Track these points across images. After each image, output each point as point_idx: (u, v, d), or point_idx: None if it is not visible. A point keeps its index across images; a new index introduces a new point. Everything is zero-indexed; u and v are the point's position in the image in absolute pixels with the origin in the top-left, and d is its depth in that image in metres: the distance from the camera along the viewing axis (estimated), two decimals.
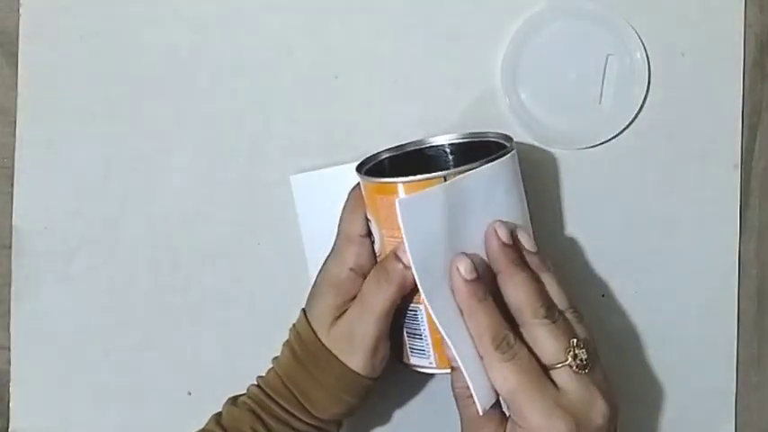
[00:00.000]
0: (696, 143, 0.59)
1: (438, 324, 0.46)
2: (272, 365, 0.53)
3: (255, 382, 0.53)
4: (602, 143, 0.59)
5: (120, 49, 0.60)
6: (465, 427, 0.49)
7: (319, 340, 0.51)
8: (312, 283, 0.53)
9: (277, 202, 0.59)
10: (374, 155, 0.53)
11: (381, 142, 0.54)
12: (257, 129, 0.60)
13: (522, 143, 0.59)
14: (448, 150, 0.54)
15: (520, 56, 0.58)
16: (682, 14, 0.59)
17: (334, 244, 0.52)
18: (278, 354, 0.54)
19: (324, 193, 0.56)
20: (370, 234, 0.51)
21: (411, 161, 0.54)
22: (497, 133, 0.53)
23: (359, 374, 0.50)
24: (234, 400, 0.53)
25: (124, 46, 0.60)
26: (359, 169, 0.51)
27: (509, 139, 0.51)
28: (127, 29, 0.60)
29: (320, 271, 0.53)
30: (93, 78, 0.60)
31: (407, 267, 0.47)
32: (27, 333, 0.60)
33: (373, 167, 0.53)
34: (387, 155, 0.54)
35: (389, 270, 0.49)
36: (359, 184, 0.51)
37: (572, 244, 0.59)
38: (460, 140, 0.54)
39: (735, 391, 0.60)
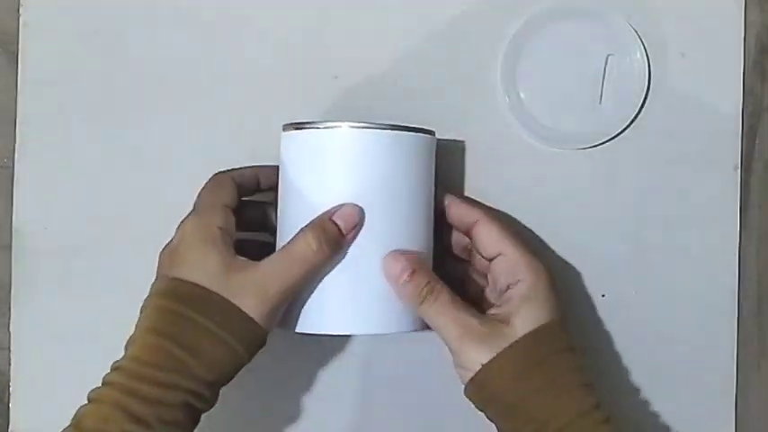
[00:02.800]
0: (696, 143, 0.59)
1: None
2: (126, 346, 0.49)
3: (109, 372, 0.49)
4: (602, 143, 0.59)
5: (120, 48, 0.60)
6: (449, 324, 0.50)
7: (205, 289, 0.48)
8: None
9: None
10: (300, 123, 0.53)
11: None
12: (257, 129, 0.60)
13: (522, 143, 0.59)
14: None
15: (520, 56, 0.58)
16: (682, 14, 0.59)
17: (192, 212, 0.52)
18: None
19: (309, 152, 0.53)
20: (233, 210, 0.52)
21: None
22: (425, 129, 0.53)
23: (255, 322, 0.48)
24: (89, 399, 0.48)
25: (124, 46, 0.60)
26: (285, 129, 0.52)
27: (431, 132, 0.53)
28: (127, 29, 0.60)
29: (176, 238, 0.51)
30: (93, 78, 0.60)
31: (342, 234, 0.49)
32: (27, 333, 0.60)
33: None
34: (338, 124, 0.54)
35: (328, 231, 0.49)
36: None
37: (572, 244, 0.59)
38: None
39: (735, 391, 0.60)
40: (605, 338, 0.59)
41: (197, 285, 0.48)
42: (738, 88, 0.59)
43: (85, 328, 0.60)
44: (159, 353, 0.47)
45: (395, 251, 0.50)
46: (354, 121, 0.51)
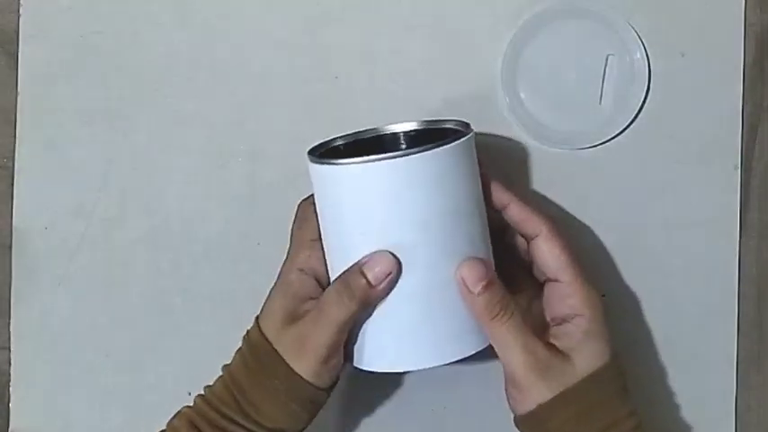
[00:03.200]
0: (696, 143, 0.59)
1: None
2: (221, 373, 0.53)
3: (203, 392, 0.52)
4: (602, 143, 0.59)
5: (120, 49, 0.60)
6: (515, 349, 0.48)
7: (269, 343, 0.50)
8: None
9: (277, 201, 0.59)
10: (327, 141, 0.52)
11: None
12: (257, 129, 0.60)
13: (522, 143, 0.59)
14: (403, 138, 0.53)
15: (520, 56, 0.58)
16: (682, 14, 0.59)
17: (288, 250, 0.53)
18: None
19: (333, 187, 0.51)
20: (320, 238, 0.51)
21: (366, 150, 0.51)
22: (457, 120, 0.52)
23: (306, 381, 0.49)
24: (177, 413, 0.52)
25: (124, 46, 0.60)
26: (311, 153, 0.50)
27: (467, 125, 0.51)
28: (127, 29, 0.60)
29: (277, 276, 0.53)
30: (93, 78, 0.60)
31: (372, 285, 0.47)
32: (27, 333, 0.60)
33: (326, 153, 0.52)
34: (341, 141, 0.53)
35: (353, 285, 0.47)
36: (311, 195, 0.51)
37: (572, 244, 0.59)
38: (417, 128, 0.53)
39: (735, 391, 0.60)
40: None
41: (264, 337, 0.50)
42: (738, 88, 0.59)
43: (85, 328, 0.60)
44: (230, 398, 0.50)
45: (471, 258, 0.47)
46: (380, 132, 0.50)
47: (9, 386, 0.60)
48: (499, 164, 0.59)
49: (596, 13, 0.58)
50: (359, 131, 0.53)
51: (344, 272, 0.48)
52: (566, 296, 0.50)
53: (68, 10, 0.60)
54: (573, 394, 0.48)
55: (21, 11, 0.60)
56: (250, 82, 0.59)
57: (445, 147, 0.47)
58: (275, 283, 0.52)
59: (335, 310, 0.48)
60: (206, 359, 0.60)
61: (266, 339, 0.50)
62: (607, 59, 0.58)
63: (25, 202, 0.60)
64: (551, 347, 0.49)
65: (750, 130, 0.60)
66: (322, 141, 0.52)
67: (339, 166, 0.47)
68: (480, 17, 0.59)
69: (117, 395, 0.60)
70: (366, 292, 0.47)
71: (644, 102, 0.59)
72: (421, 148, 0.46)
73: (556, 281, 0.50)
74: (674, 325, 0.59)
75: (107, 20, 0.60)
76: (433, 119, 0.53)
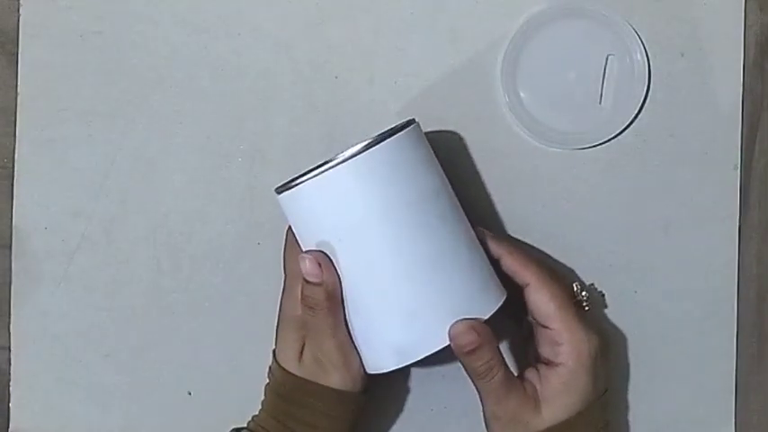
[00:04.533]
0: (696, 143, 0.59)
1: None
2: (261, 407, 0.54)
3: (252, 420, 0.54)
4: (602, 143, 0.59)
5: (120, 49, 0.60)
6: (488, 401, 0.51)
7: (294, 376, 0.52)
8: None
9: (277, 201, 0.59)
10: (293, 179, 0.51)
11: None
12: (257, 129, 0.60)
13: (522, 143, 0.59)
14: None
15: (520, 56, 0.58)
16: (682, 14, 0.59)
17: (284, 283, 0.54)
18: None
19: (292, 215, 0.53)
20: None
21: None
22: (405, 121, 0.52)
23: (343, 391, 0.51)
24: None
25: (124, 46, 0.60)
26: (278, 191, 0.52)
27: (411, 121, 0.52)
28: (127, 29, 0.60)
29: (279, 311, 0.54)
30: (93, 78, 0.60)
31: (318, 284, 0.50)
32: (27, 333, 0.60)
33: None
34: (305, 177, 0.52)
35: (310, 294, 0.50)
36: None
37: (572, 244, 0.59)
38: (370, 142, 0.51)
39: (735, 391, 0.60)
40: (605, 338, 0.59)
41: (289, 373, 0.52)
42: (738, 88, 0.59)
43: (85, 328, 0.60)
44: (275, 421, 0.52)
45: (464, 321, 0.49)
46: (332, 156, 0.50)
47: (9, 386, 0.60)
48: (499, 164, 0.59)
49: (596, 13, 0.58)
50: (320, 164, 0.51)
51: (302, 290, 0.51)
52: (554, 343, 0.52)
53: (68, 10, 0.60)
54: None
55: (21, 11, 0.60)
56: (250, 82, 0.60)
57: (377, 146, 0.49)
58: (281, 318, 0.54)
59: (317, 323, 0.51)
60: (206, 359, 0.60)
61: (290, 373, 0.52)
62: (607, 59, 0.58)
63: (25, 202, 0.60)
64: (524, 396, 0.51)
65: (750, 130, 0.60)
66: (287, 180, 0.52)
67: (298, 185, 0.50)
68: (480, 17, 0.59)
69: (117, 395, 0.60)
70: (323, 291, 0.50)
71: (644, 102, 0.59)
72: (355, 152, 0.49)
73: (547, 327, 0.52)
74: (674, 325, 0.59)
75: (107, 20, 0.60)
76: (385, 129, 0.51)
